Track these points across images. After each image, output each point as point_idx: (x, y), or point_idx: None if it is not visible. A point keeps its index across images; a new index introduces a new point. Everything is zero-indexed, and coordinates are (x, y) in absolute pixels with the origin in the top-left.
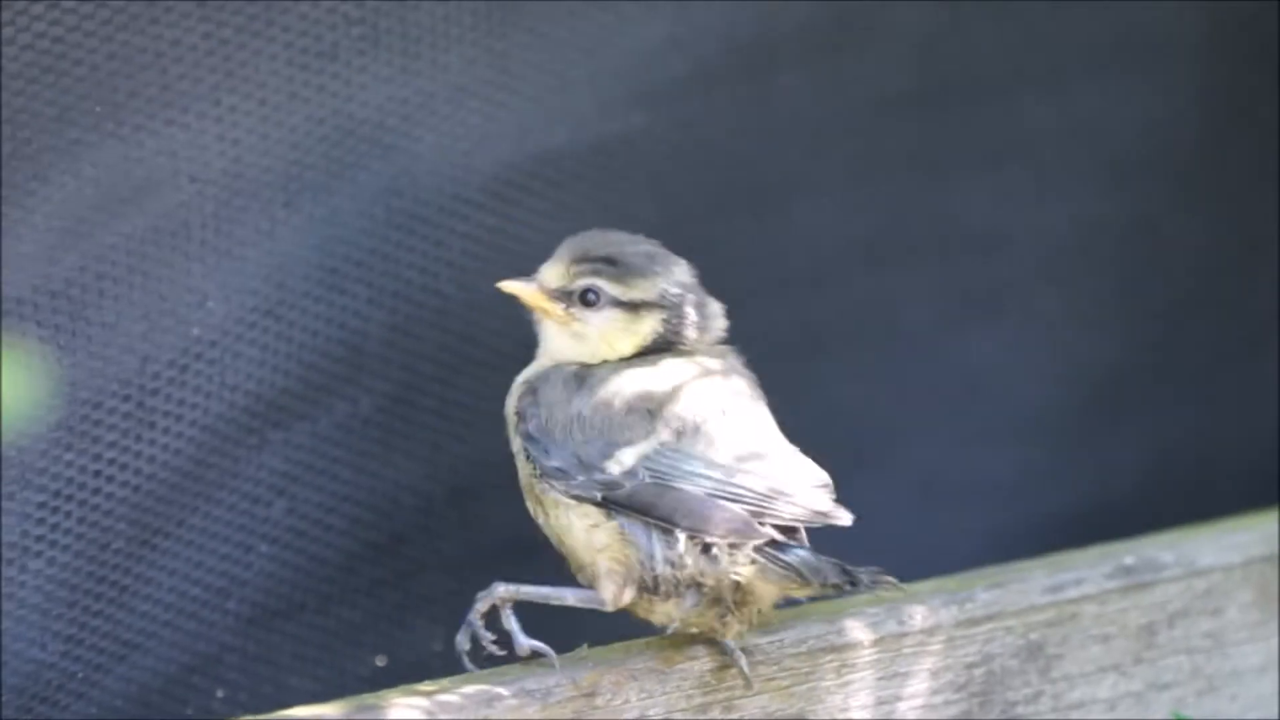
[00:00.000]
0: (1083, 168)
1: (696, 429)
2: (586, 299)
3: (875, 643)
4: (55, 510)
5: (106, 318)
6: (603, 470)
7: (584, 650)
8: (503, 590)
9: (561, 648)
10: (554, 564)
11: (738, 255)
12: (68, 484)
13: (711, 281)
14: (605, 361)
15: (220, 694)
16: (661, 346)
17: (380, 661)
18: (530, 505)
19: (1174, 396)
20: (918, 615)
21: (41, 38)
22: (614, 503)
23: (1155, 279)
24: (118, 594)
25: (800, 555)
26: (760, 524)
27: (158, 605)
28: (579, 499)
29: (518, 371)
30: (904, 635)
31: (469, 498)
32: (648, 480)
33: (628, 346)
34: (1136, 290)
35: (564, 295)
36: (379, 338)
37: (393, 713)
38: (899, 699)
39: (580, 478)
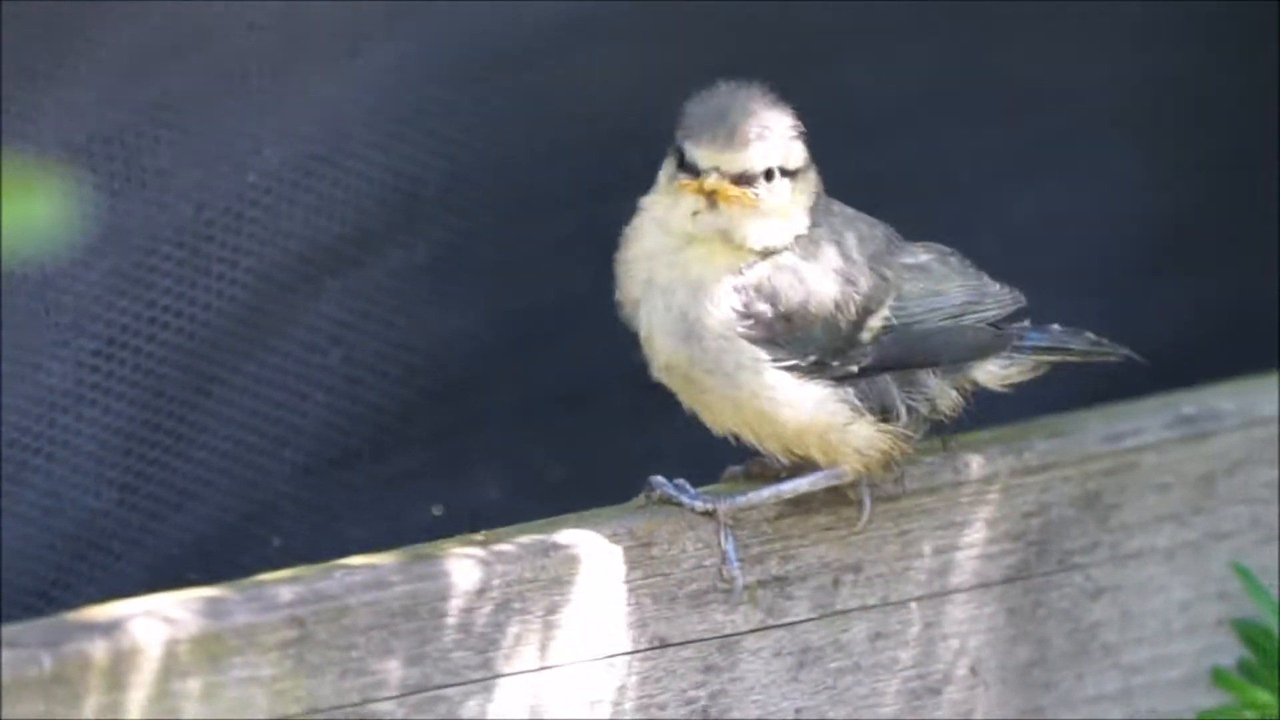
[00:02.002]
0: (1137, 23)
1: (910, 269)
2: (770, 176)
3: (932, 491)
4: (110, 358)
5: (162, 164)
6: (856, 343)
7: (641, 500)
8: (725, 508)
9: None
10: (611, 412)
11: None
12: (122, 331)
13: None
14: (786, 243)
15: (277, 542)
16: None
17: (437, 510)
18: (713, 408)
19: (1231, 249)
20: (974, 464)
21: None
22: (867, 370)
23: (1216, 130)
24: (174, 442)
25: (1052, 332)
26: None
27: (214, 453)
28: (834, 379)
29: (576, 221)
30: (960, 484)
31: (525, 347)
32: (892, 335)
33: (805, 217)
34: (1191, 143)
35: (747, 179)
36: (437, 185)
37: (449, 562)
38: (956, 548)
39: (835, 361)
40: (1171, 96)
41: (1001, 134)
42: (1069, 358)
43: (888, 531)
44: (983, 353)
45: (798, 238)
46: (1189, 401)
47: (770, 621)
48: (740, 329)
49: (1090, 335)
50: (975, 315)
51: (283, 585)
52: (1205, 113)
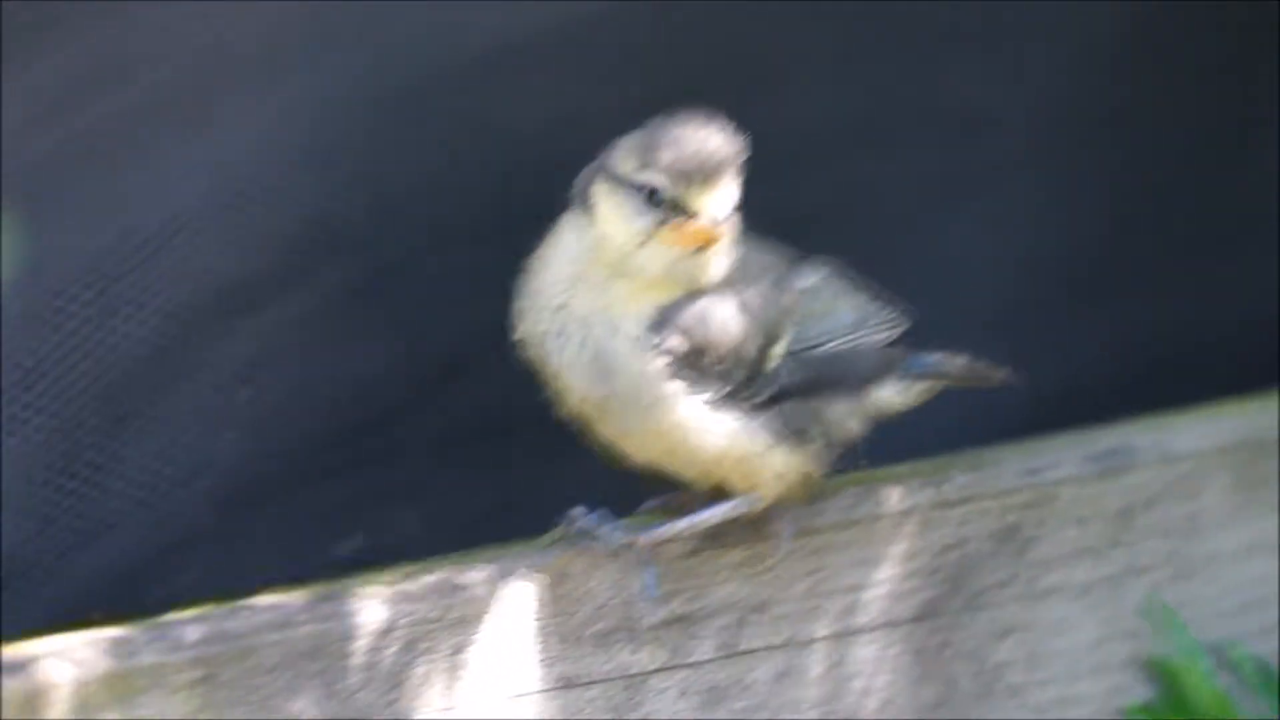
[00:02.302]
0: (1070, 49)
1: (806, 294)
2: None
3: (849, 524)
4: (28, 389)
5: (81, 196)
6: (763, 372)
7: (558, 532)
8: (644, 540)
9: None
10: (528, 445)
11: None
12: (40, 362)
13: None
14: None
15: (189, 577)
16: None
17: (354, 545)
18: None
19: (1152, 282)
20: (894, 497)
21: None
22: (776, 398)
23: (1135, 162)
24: (91, 473)
25: (936, 357)
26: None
27: (130, 485)
28: (748, 406)
29: (493, 255)
30: (879, 517)
31: (441, 381)
32: (798, 360)
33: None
34: (1115, 173)
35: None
36: (355, 220)
37: (355, 602)
38: (866, 586)
39: (746, 391)
40: (1094, 129)
41: (925, 164)
42: (949, 382)
43: (798, 569)
44: (879, 373)
45: None
46: (1107, 437)
47: (676, 661)
48: (658, 364)
49: (966, 358)
50: (866, 336)
51: (189, 624)
52: (1125, 146)
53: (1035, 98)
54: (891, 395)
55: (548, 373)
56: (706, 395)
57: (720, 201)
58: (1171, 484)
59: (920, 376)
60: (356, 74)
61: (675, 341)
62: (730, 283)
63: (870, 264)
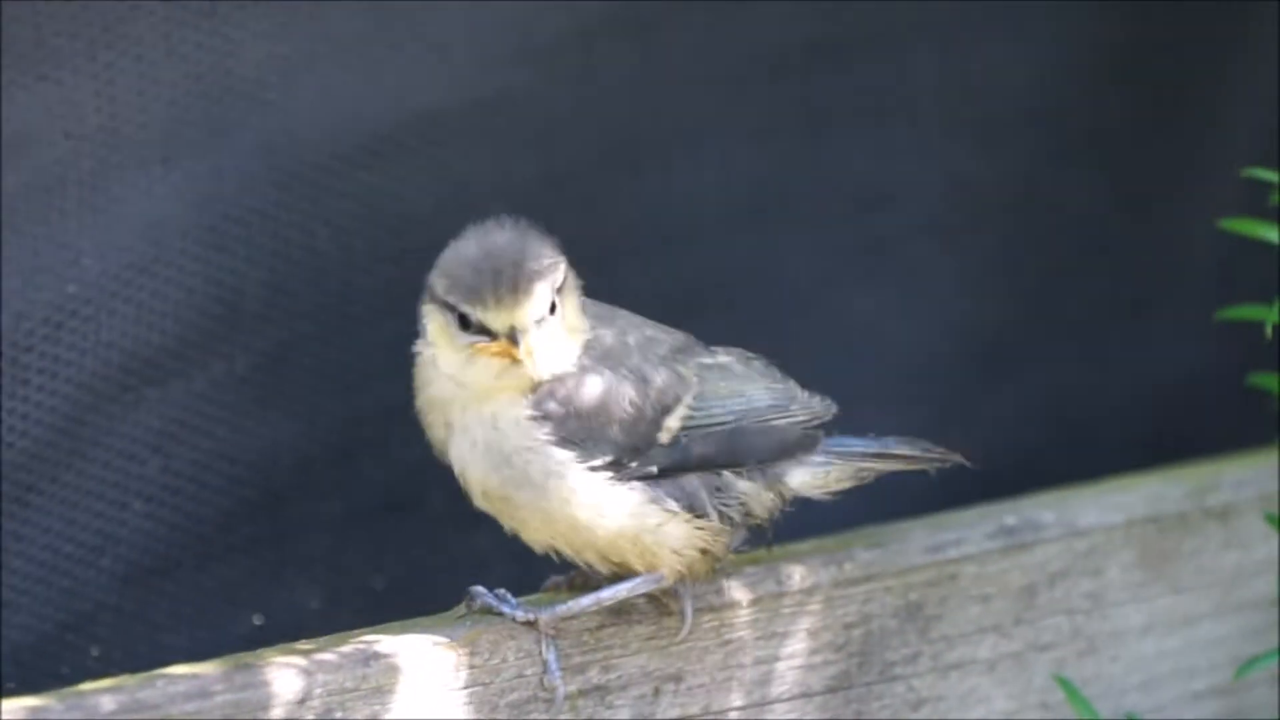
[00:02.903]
0: (966, 124)
1: (709, 369)
2: (553, 309)
3: (754, 602)
4: None
5: None
6: (654, 442)
7: (462, 609)
8: (547, 618)
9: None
10: (434, 520)
11: (619, 212)
12: None
13: (593, 239)
14: (574, 359)
15: (95, 652)
16: None
17: (258, 620)
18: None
19: (1056, 355)
20: (796, 575)
21: None
22: (668, 470)
23: (1037, 237)
24: None
25: (876, 440)
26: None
27: (31, 563)
28: (642, 479)
29: (394, 331)
30: (782, 595)
31: (347, 457)
32: (693, 434)
33: (583, 324)
34: (1018, 248)
35: (537, 324)
36: (256, 296)
37: (270, 671)
38: (777, 659)
39: (633, 462)
40: (996, 204)
41: (828, 238)
42: (895, 465)
43: (709, 642)
44: (788, 451)
45: (585, 343)
46: (1010, 511)
47: None
48: (540, 435)
49: (924, 443)
50: (784, 421)
51: (104, 695)
52: (1027, 221)
53: (937, 173)
54: (816, 477)
55: (455, 473)
56: (597, 463)
57: (524, 316)
58: (1075, 560)
59: (858, 458)
60: (254, 152)
61: (553, 408)
62: (609, 352)
63: (773, 337)
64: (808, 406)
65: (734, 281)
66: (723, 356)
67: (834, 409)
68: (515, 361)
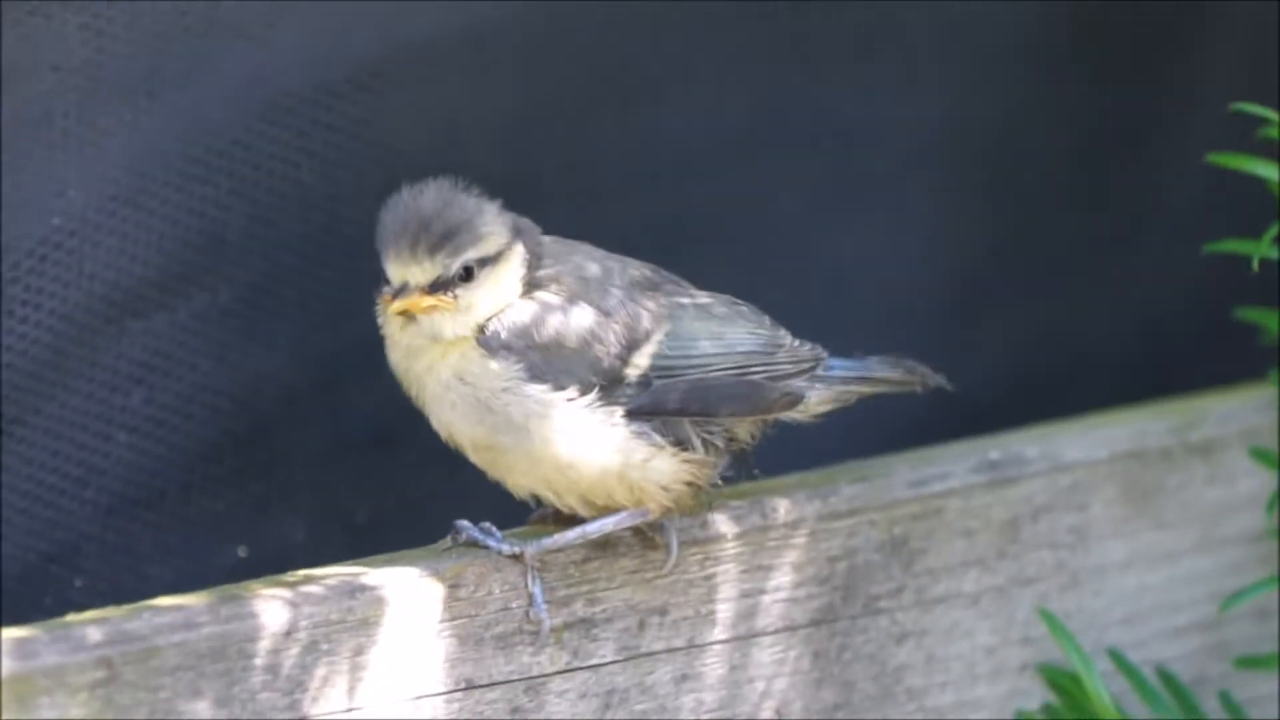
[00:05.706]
0: (951, 60)
1: (684, 308)
2: (469, 275)
3: (739, 536)
4: None
5: None
6: (622, 378)
7: (447, 543)
8: (532, 551)
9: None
10: (419, 453)
11: (608, 147)
12: None
13: (581, 173)
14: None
15: (79, 583)
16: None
17: (242, 552)
18: (505, 456)
19: (1042, 290)
20: (781, 509)
21: None
22: (653, 410)
23: (1024, 172)
24: None
25: (860, 362)
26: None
27: (15, 493)
28: (623, 412)
29: (376, 265)
30: (767, 529)
31: (331, 388)
32: (667, 377)
33: (517, 286)
34: (1005, 183)
35: (443, 285)
36: (240, 228)
37: (256, 604)
38: (762, 592)
39: (615, 392)
40: (979, 141)
41: (809, 176)
42: (877, 388)
43: (694, 575)
44: (767, 410)
45: (537, 277)
46: (995, 446)
47: (576, 663)
48: (509, 372)
49: (909, 363)
50: (764, 368)
51: (91, 626)
52: (1009, 158)
53: (919, 110)
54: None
55: (443, 438)
56: (572, 394)
57: (424, 272)
58: (1059, 495)
59: (841, 382)
60: (239, 85)
61: (505, 338)
62: (562, 286)
63: (755, 274)
64: (795, 354)
65: (722, 217)
66: (704, 298)
67: (824, 356)
68: (410, 318)
